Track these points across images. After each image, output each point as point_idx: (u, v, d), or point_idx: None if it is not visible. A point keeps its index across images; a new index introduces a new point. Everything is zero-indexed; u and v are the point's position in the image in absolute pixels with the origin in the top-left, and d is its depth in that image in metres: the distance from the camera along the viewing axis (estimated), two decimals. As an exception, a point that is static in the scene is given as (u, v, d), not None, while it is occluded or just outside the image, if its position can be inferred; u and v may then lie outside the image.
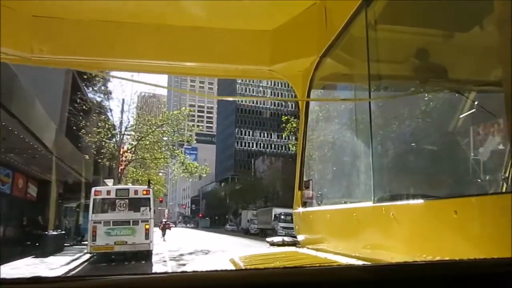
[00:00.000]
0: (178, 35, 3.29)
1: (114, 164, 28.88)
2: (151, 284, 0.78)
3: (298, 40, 3.19)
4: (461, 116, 2.57)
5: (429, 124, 2.73)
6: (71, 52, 3.34)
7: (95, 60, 3.59)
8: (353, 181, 2.87)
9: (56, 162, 15.88)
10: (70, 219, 25.49)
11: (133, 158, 31.69)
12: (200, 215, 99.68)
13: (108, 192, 16.56)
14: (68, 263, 14.89)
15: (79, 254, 17.53)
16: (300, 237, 3.16)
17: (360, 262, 2.05)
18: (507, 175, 2.49)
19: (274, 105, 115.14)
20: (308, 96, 3.31)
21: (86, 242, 17.47)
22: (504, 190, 2.28)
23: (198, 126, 47.72)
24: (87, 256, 16.74)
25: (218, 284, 0.78)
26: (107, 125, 27.98)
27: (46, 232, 17.66)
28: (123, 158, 30.51)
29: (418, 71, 2.51)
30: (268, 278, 0.83)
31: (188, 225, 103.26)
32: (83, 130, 25.36)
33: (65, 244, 19.83)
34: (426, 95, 2.65)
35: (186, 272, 0.82)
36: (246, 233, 50.46)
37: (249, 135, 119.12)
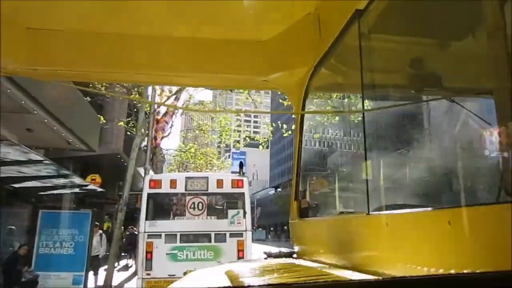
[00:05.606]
0: (173, 46, 3.30)
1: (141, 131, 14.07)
2: None
3: (292, 50, 3.19)
4: (456, 125, 2.56)
5: (424, 134, 2.72)
6: (67, 64, 3.34)
7: (92, 71, 3.60)
8: (348, 191, 2.85)
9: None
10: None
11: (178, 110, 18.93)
12: (254, 225, 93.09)
13: (173, 183, 9.35)
14: None
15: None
16: (296, 248, 3.13)
17: (355, 274, 2.02)
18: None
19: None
20: (303, 105, 3.31)
21: None
22: (498, 200, 2.26)
23: (245, 131, 41.15)
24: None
25: None
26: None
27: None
28: (161, 119, 17.17)
29: (412, 80, 2.51)
30: None
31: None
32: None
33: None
34: (421, 104, 2.65)
35: None
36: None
37: (308, 132, 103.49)
